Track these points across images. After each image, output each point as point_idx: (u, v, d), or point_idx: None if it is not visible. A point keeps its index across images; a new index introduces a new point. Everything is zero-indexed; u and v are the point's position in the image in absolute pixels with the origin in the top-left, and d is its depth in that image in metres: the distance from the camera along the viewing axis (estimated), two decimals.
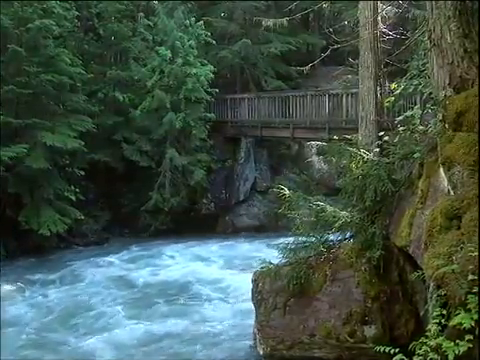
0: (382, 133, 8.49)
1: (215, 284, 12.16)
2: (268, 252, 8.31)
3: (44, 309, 10.70)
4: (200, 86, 17.04)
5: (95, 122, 16.34)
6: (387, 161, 7.29)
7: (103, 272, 13.41)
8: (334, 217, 7.37)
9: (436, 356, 4.24)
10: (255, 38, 20.18)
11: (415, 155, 6.62)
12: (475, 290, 4.35)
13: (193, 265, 14.00)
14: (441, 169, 5.56)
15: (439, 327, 4.48)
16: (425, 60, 7.63)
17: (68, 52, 15.81)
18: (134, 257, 14.97)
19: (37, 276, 12.93)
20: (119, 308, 10.68)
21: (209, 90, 17.48)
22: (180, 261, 14.51)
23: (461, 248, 4.78)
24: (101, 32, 18.14)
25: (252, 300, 8.07)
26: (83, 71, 16.21)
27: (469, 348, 4.14)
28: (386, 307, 7.01)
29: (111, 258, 14.74)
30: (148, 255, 15.15)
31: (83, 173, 15.92)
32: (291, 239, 7.88)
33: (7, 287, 11.90)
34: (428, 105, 6.59)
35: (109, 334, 9.24)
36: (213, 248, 15.87)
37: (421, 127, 6.94)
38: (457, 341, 4.19)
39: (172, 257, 14.92)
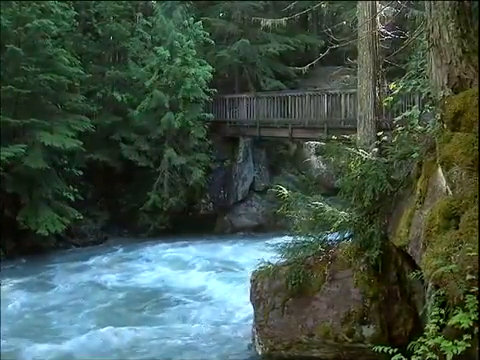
0: (381, 133, 8.50)
1: (210, 285, 12.15)
2: (265, 253, 8.27)
3: (9, 316, 10.23)
4: (199, 86, 17.04)
5: (93, 122, 16.33)
6: (386, 161, 7.30)
7: (90, 274, 13.21)
8: (333, 217, 7.38)
9: (434, 356, 4.25)
10: (254, 38, 20.19)
11: (413, 155, 6.63)
12: (473, 290, 4.36)
13: (187, 266, 13.98)
14: (439, 169, 5.57)
15: (437, 327, 4.49)
16: (423, 60, 7.64)
17: (66, 52, 15.77)
18: (128, 258, 14.88)
19: (17, 280, 12.59)
20: (103, 312, 10.47)
21: (208, 90, 17.48)
22: (175, 262, 14.45)
23: (459, 248, 4.79)
24: (99, 32, 18.12)
25: (250, 300, 8.07)
26: (81, 71, 16.18)
27: (467, 348, 4.15)
28: (384, 307, 7.01)
29: (105, 259, 14.64)
30: (142, 256, 15.11)
31: (81, 173, 15.89)
32: (290, 239, 7.87)
33: None
34: (426, 105, 6.60)
35: (86, 340, 8.98)
36: (209, 249, 15.84)
37: (419, 127, 6.95)
38: (455, 341, 4.20)
39: (167, 258, 14.85)
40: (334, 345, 7.12)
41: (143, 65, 17.75)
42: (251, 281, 8.04)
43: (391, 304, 7.04)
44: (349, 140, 8.50)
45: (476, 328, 4.20)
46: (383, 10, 10.10)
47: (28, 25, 14.55)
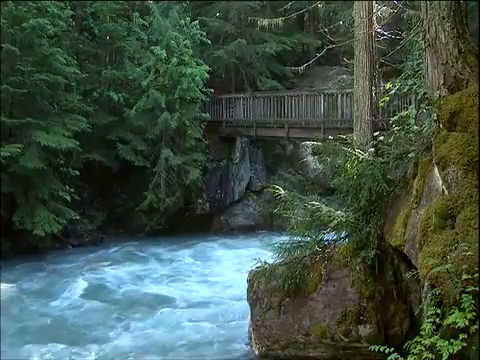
0: (377, 133, 8.52)
1: (207, 285, 12.14)
2: (262, 252, 8.27)
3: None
4: (195, 86, 17.02)
5: (90, 122, 16.27)
6: (382, 161, 7.31)
7: (86, 275, 13.06)
8: (329, 217, 7.37)
9: (430, 355, 4.27)
10: (250, 38, 20.21)
11: (410, 155, 6.64)
12: (469, 289, 4.37)
13: (184, 266, 13.97)
14: (435, 169, 5.58)
15: (433, 326, 4.51)
16: (420, 60, 7.66)
17: (63, 51, 15.72)
18: (124, 258, 14.80)
19: (12, 281, 12.38)
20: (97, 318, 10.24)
21: (204, 90, 17.48)
22: (171, 261, 14.46)
23: (455, 248, 4.81)
24: (96, 31, 18.06)
25: (247, 300, 8.07)
26: (78, 70, 16.15)
27: (463, 347, 4.16)
28: (381, 306, 7.02)
29: (101, 259, 14.54)
30: (139, 256, 15.08)
31: (78, 173, 15.84)
32: (286, 239, 7.88)
33: None
34: (423, 105, 6.60)
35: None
36: (205, 249, 15.84)
37: (416, 127, 6.96)
38: (451, 340, 4.22)
39: (163, 258, 14.85)
40: (330, 345, 7.13)
41: (139, 65, 17.73)
42: (248, 281, 8.04)
43: (387, 304, 7.05)
44: (345, 140, 8.49)
45: (472, 327, 4.22)
46: (379, 10, 10.12)
47: (24, 24, 14.49)
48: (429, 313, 4.63)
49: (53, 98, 15.86)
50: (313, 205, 7.57)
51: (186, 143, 17.45)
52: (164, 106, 16.71)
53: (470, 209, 4.96)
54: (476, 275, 4.44)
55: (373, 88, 9.92)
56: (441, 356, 4.16)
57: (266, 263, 7.78)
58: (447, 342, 4.21)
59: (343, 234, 7.68)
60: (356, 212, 7.37)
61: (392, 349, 4.45)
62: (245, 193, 19.48)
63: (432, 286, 4.82)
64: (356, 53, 10.01)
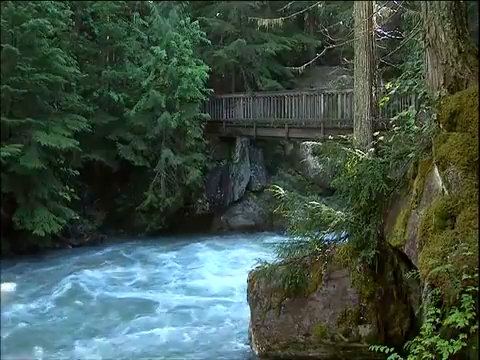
0: (377, 133, 8.52)
1: (207, 286, 12.10)
2: (262, 252, 8.26)
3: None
4: (195, 86, 17.02)
5: (90, 122, 16.28)
6: (382, 161, 7.31)
7: (86, 275, 12.95)
8: (329, 217, 7.38)
9: (430, 355, 4.27)
10: (250, 38, 20.21)
11: (410, 155, 6.65)
12: (469, 289, 4.37)
13: (184, 266, 13.95)
14: (435, 169, 5.58)
15: (433, 326, 4.51)
16: (420, 60, 7.66)
17: (63, 51, 15.73)
18: (124, 258, 14.78)
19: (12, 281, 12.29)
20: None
21: (204, 90, 17.48)
22: (171, 262, 14.43)
23: (455, 248, 4.81)
24: (96, 31, 18.07)
25: (247, 300, 8.07)
26: (78, 70, 16.16)
27: (463, 347, 4.16)
28: (381, 306, 7.02)
29: (101, 260, 14.48)
30: (139, 256, 15.06)
31: (78, 173, 15.85)
32: (286, 239, 7.88)
33: None
34: (423, 105, 6.60)
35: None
36: (205, 249, 15.83)
37: (416, 127, 6.96)
38: (451, 340, 4.22)
39: (163, 258, 14.83)
40: (331, 345, 7.13)
41: (139, 65, 17.74)
42: (248, 281, 8.04)
43: (387, 304, 7.05)
44: (345, 140, 8.49)
45: (472, 327, 4.22)
46: (379, 10, 10.12)
47: (24, 24, 14.51)
48: (429, 313, 4.63)
49: (53, 98, 15.87)
50: (313, 205, 7.57)
51: (186, 143, 17.45)
52: (164, 106, 16.70)
53: (470, 209, 4.96)
54: (476, 275, 4.44)
55: (373, 88, 9.92)
56: (441, 356, 4.16)
57: (266, 263, 7.78)
58: (447, 342, 4.22)
59: (343, 234, 7.68)
60: (356, 212, 7.37)
61: (392, 349, 4.45)
62: (245, 193, 19.48)
63: (432, 286, 4.82)
64: (356, 53, 10.01)
